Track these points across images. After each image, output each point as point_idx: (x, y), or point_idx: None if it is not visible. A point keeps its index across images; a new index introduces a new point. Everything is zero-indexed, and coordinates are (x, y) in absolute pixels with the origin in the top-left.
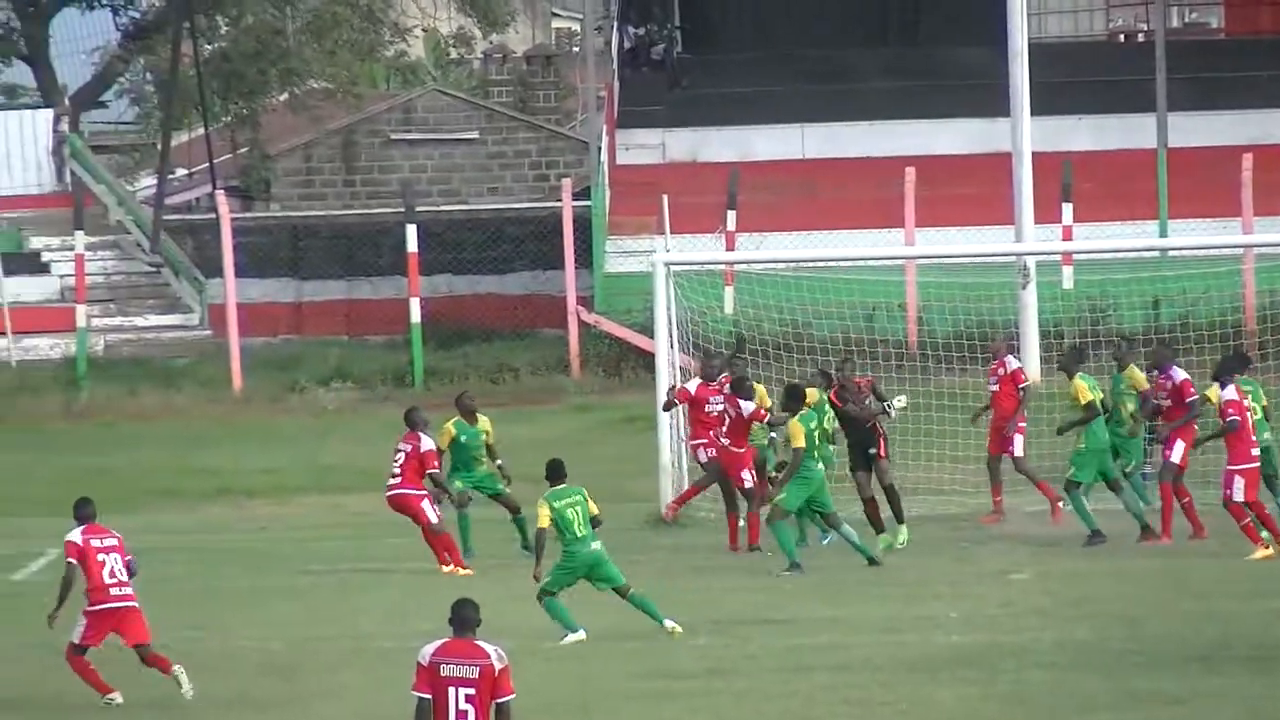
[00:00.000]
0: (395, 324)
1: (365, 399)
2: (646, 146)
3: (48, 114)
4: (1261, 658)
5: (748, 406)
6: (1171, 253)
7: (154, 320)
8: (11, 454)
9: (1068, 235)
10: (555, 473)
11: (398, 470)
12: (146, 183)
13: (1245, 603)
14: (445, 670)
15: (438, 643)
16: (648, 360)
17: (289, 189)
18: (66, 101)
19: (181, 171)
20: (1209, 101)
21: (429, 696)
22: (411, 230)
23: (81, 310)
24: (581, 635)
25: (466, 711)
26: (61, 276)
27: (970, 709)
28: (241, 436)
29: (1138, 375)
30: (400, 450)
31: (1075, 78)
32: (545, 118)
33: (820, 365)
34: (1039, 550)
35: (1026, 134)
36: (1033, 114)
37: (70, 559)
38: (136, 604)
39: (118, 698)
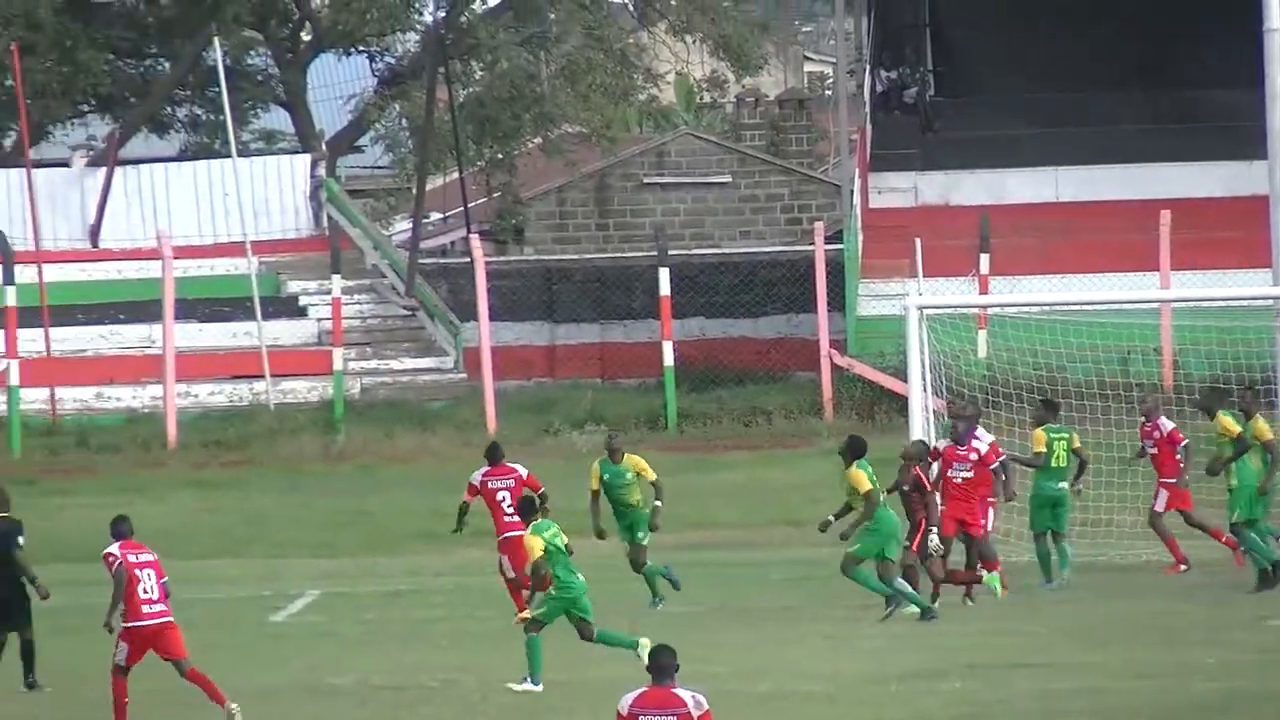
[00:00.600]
0: (648, 367)
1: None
2: (899, 190)
3: (305, 159)
4: None
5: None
6: None
7: (409, 363)
8: (271, 495)
9: None
10: (530, 508)
11: (510, 510)
12: (401, 227)
13: None
14: None
15: (636, 693)
16: (901, 404)
17: (542, 232)
18: (323, 147)
19: (436, 216)
20: None
21: None
22: (664, 274)
23: (338, 353)
24: (539, 689)
25: None
26: (318, 320)
27: None
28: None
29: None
30: (502, 490)
31: None
32: (797, 161)
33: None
34: None
35: None
36: None
37: (115, 566)
38: (172, 619)
39: None
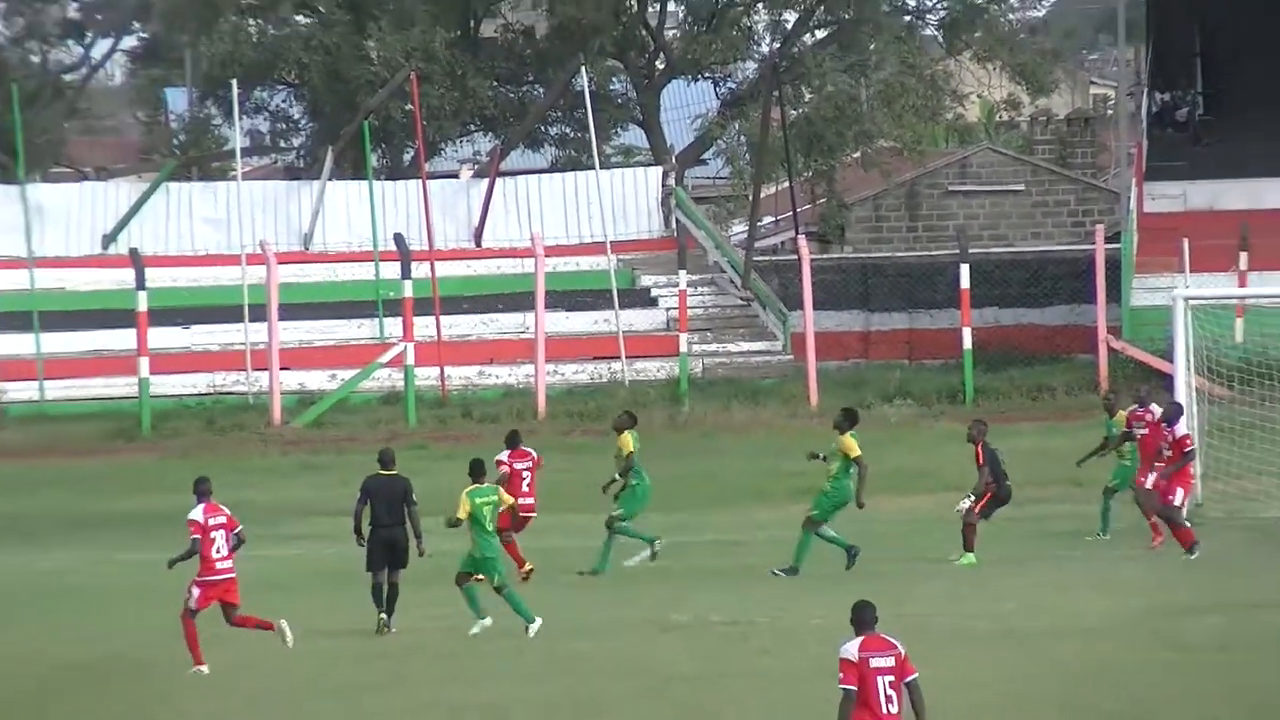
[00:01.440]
0: (950, 350)
1: (923, 414)
2: (1170, 197)
3: (657, 171)
4: None
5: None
6: None
7: (744, 346)
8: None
9: None
10: (477, 471)
11: (527, 489)
12: (738, 229)
13: None
14: (874, 663)
15: (855, 641)
16: (1168, 382)
17: (860, 233)
18: (673, 160)
19: (768, 219)
20: None
21: (856, 688)
22: (965, 270)
23: (683, 338)
24: (489, 622)
25: (891, 696)
26: (667, 309)
27: None
28: (817, 446)
29: None
30: (524, 469)
31: None
32: (1082, 172)
33: None
34: None
35: None
36: None
37: (194, 535)
38: (234, 575)
39: (205, 669)
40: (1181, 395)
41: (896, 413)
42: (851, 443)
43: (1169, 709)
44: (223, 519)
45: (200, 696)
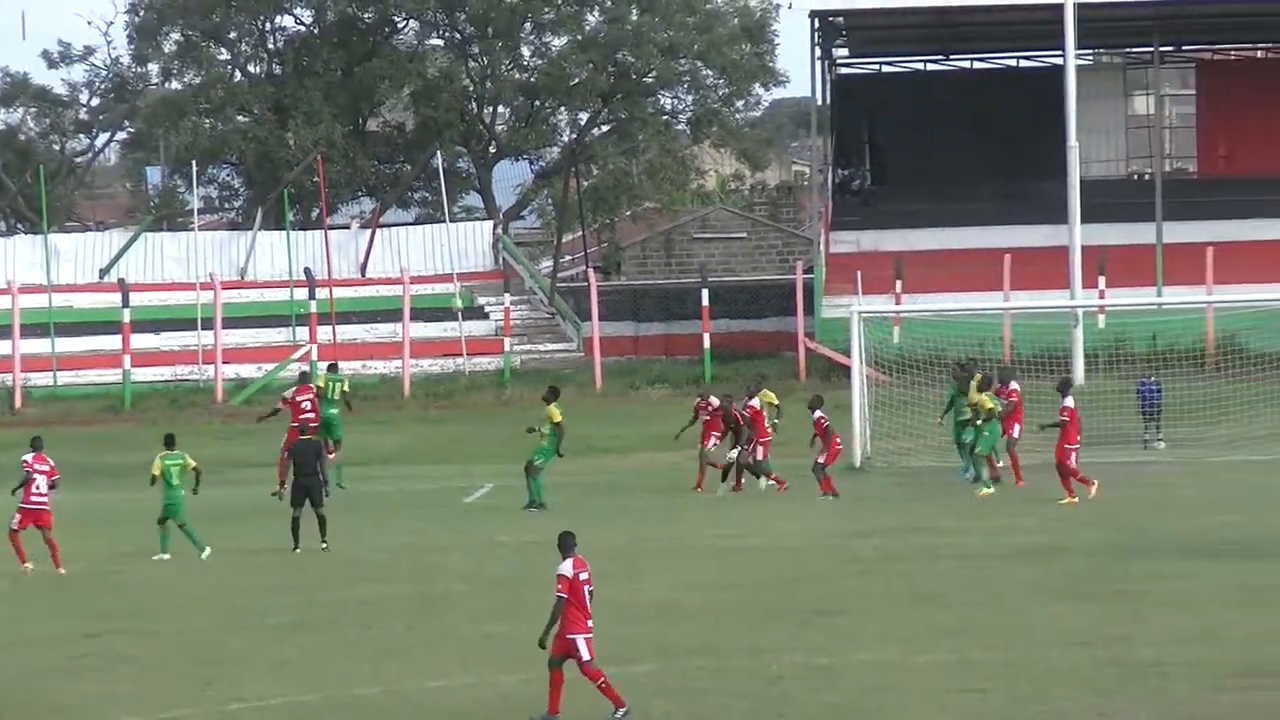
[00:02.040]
0: (695, 349)
1: (676, 395)
2: (848, 242)
3: (489, 224)
4: (1215, 551)
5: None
6: (1165, 305)
7: (549, 347)
8: (464, 426)
9: (1102, 295)
10: (169, 443)
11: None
12: (546, 264)
13: (1203, 516)
14: (581, 576)
15: (568, 560)
16: (847, 370)
17: (631, 267)
18: (500, 216)
19: (568, 257)
20: (1188, 215)
21: (568, 595)
22: (705, 293)
23: (507, 341)
24: (167, 557)
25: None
26: (495, 321)
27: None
28: (602, 417)
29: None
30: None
31: (1106, 200)
32: (787, 225)
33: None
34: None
35: (1077, 234)
36: (1082, 222)
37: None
38: (47, 506)
39: (30, 567)
40: (856, 381)
41: (657, 393)
42: (555, 411)
43: (849, 603)
44: (46, 467)
45: (155, 591)
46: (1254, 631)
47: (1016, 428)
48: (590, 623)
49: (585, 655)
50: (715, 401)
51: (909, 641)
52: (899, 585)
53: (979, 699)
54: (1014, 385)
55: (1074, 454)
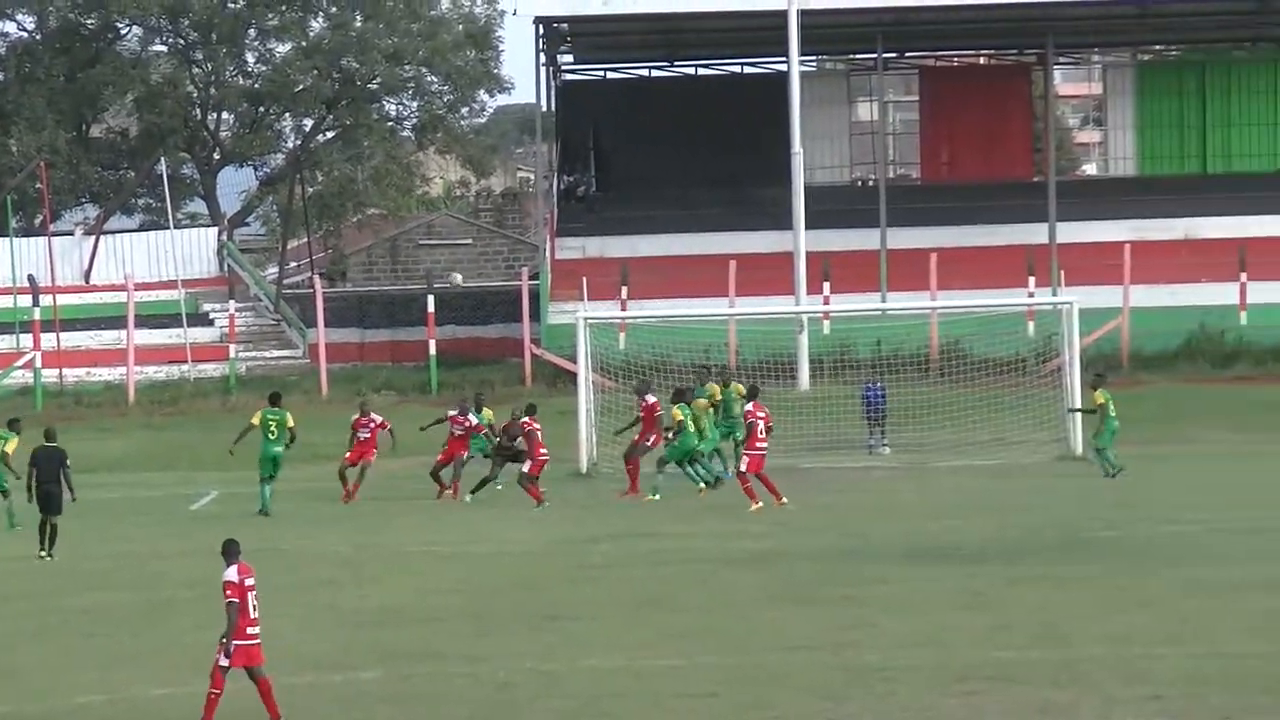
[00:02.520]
0: (421, 356)
1: (401, 400)
2: (573, 248)
3: (214, 230)
4: (938, 555)
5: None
6: (890, 311)
7: (275, 354)
8: (187, 433)
9: (827, 301)
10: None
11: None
12: (271, 270)
13: (926, 521)
14: (248, 582)
15: (233, 567)
16: (573, 377)
17: (358, 274)
18: (225, 222)
19: (293, 264)
20: (912, 221)
21: (239, 600)
22: (431, 299)
23: (233, 348)
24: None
25: (256, 605)
26: (220, 327)
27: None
28: (328, 424)
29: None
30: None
31: (831, 206)
32: (512, 230)
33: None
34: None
35: (802, 240)
36: (807, 228)
37: None
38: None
39: None
40: (582, 387)
41: (383, 399)
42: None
43: (577, 609)
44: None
45: None
46: (977, 634)
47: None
48: (256, 630)
49: (249, 662)
50: (377, 419)
51: (637, 647)
52: (626, 590)
53: (707, 704)
54: (651, 398)
55: (753, 461)
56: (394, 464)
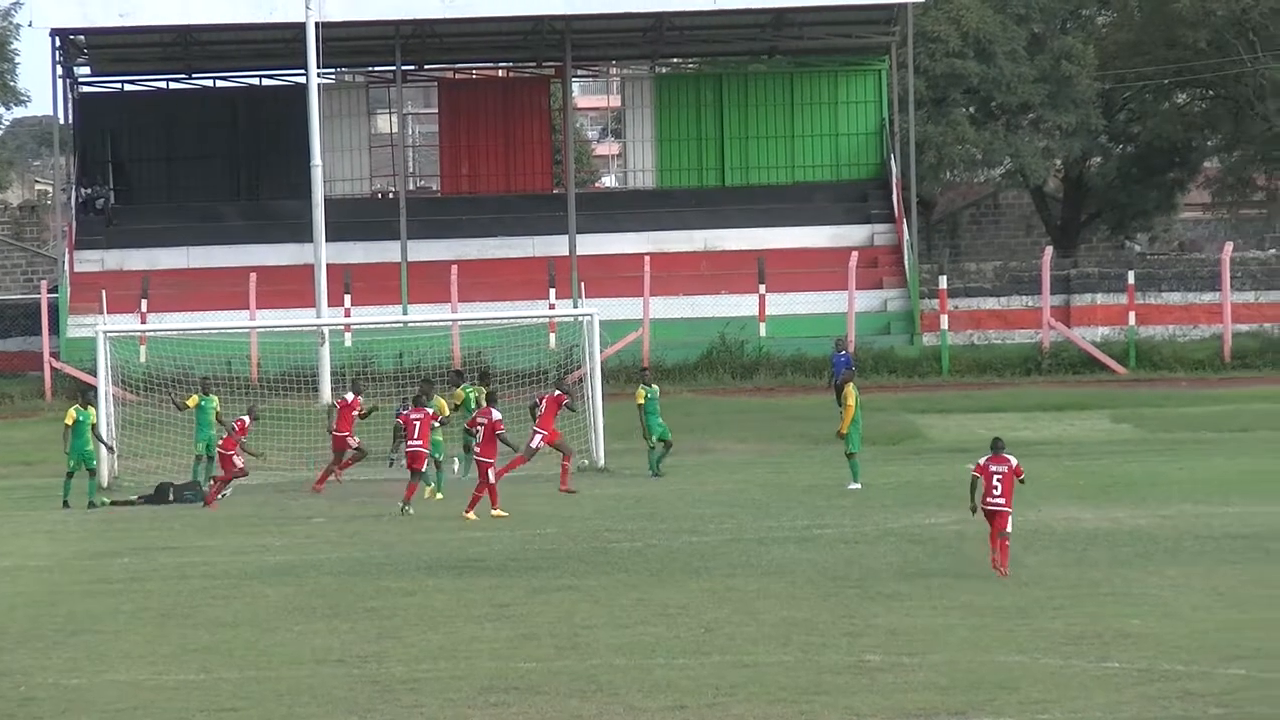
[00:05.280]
0: None
1: None
2: (93, 261)
3: None
4: (463, 567)
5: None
6: (411, 323)
7: None
8: None
9: (348, 314)
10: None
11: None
12: None
13: (451, 533)
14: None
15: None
16: (93, 389)
17: None
18: None
19: None
20: (433, 233)
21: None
22: None
23: None
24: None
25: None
26: None
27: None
28: None
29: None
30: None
31: (352, 219)
32: (31, 242)
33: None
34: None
35: (323, 252)
36: (328, 240)
37: None
38: None
39: None
40: (103, 400)
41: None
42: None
43: (100, 623)
44: None
45: None
46: (502, 646)
47: None
48: None
49: None
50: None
51: (159, 661)
52: (148, 604)
53: (230, 718)
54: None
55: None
56: None
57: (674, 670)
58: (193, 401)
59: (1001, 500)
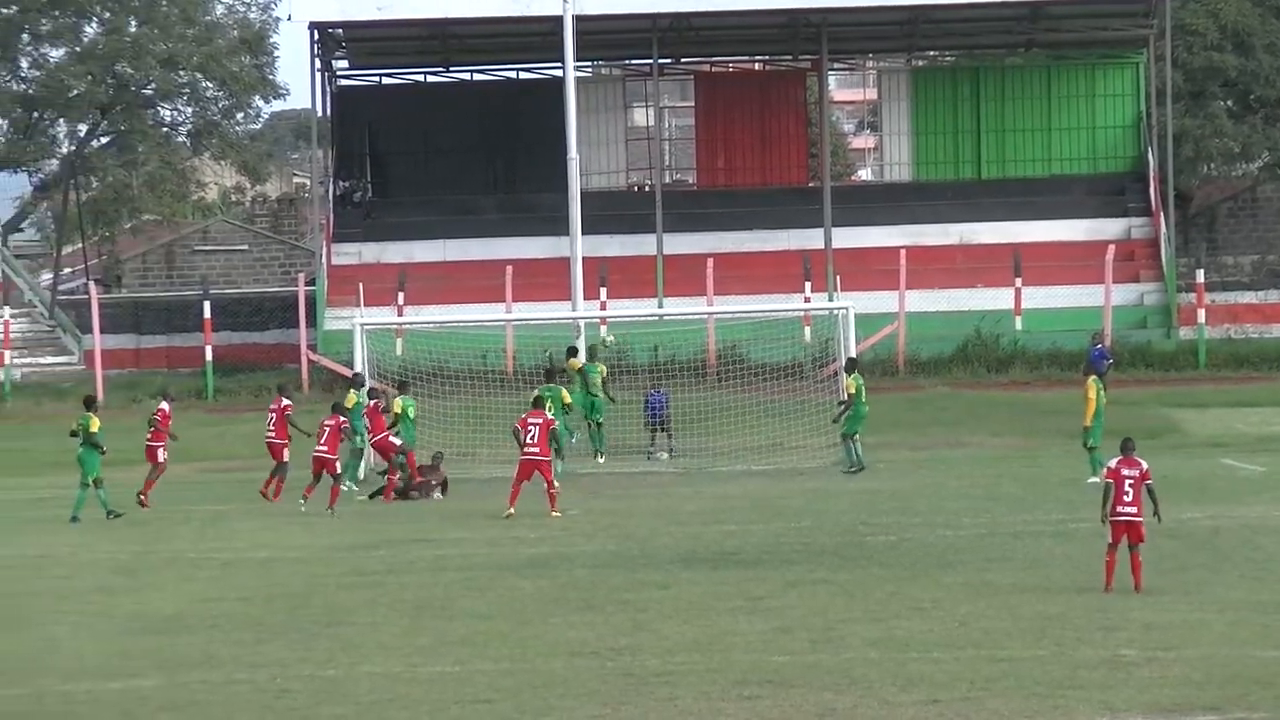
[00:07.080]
0: (198, 361)
1: (179, 407)
2: (349, 254)
3: None
4: (717, 560)
5: None
6: (667, 316)
7: (51, 360)
8: None
9: (604, 306)
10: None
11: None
12: (46, 276)
13: (705, 526)
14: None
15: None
16: (349, 381)
17: (133, 280)
18: (0, 228)
19: (68, 270)
20: (689, 226)
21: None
22: (207, 305)
23: (7, 354)
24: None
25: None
26: None
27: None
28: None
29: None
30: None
31: (608, 212)
32: (289, 237)
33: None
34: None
35: (579, 245)
36: (584, 233)
37: None
38: None
39: None
40: (364, 390)
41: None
42: (96, 420)
43: (355, 615)
44: None
45: None
46: (756, 639)
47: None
48: None
49: None
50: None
51: (415, 653)
52: (404, 597)
53: (485, 710)
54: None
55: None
56: (187, 467)
57: (928, 664)
58: (397, 407)
59: (1134, 509)
